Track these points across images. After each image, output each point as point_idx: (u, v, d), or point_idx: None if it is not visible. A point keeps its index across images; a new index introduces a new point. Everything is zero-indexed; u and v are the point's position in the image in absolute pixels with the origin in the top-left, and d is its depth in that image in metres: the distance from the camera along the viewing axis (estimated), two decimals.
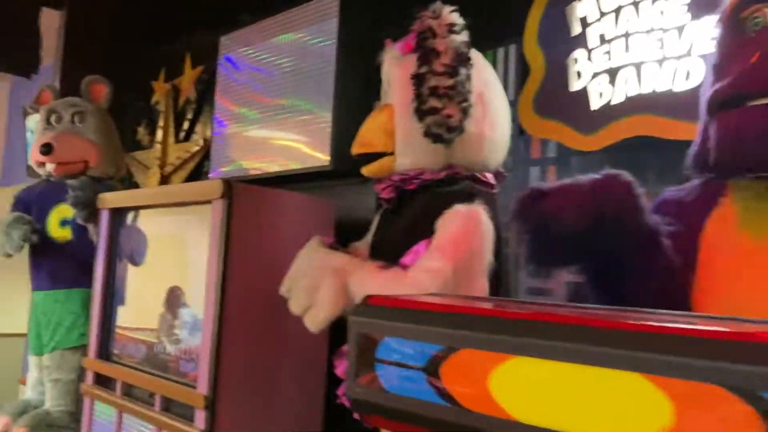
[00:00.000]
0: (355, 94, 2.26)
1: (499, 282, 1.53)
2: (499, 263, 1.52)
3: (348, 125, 2.23)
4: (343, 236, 1.93)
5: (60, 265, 2.82)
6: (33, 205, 2.87)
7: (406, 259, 1.54)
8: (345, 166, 2.26)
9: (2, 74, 5.89)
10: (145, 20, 3.39)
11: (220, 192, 1.88)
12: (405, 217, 1.65)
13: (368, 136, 1.69)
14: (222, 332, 1.85)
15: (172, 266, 2.23)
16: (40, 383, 2.85)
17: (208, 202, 1.94)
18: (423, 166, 1.61)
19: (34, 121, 4.77)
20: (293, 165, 2.33)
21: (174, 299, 2.14)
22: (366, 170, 1.71)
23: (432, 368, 0.80)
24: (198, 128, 3.17)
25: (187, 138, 3.21)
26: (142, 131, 3.54)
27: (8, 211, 2.88)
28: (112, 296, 2.51)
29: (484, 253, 1.46)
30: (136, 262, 2.45)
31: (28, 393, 2.92)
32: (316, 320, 1.55)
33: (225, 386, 1.83)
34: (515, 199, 1.25)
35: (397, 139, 1.63)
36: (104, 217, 2.53)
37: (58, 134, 2.83)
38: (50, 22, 3.52)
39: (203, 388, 1.83)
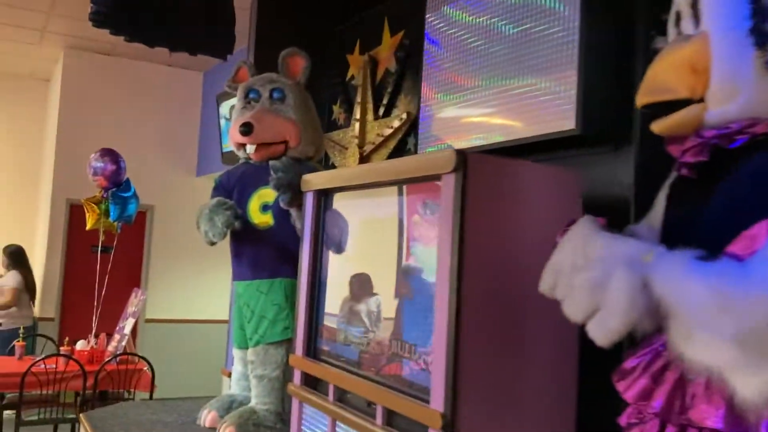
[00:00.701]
0: (609, 39, 1.83)
1: None
2: None
3: (599, 79, 1.83)
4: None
5: (262, 253, 2.69)
6: (234, 190, 2.77)
7: (735, 247, 1.10)
8: (594, 131, 1.85)
9: (193, 67, 6.21)
10: None
11: (452, 164, 1.55)
12: (724, 188, 1.20)
13: (664, 78, 1.26)
14: (460, 336, 1.52)
15: (379, 254, 1.96)
16: (244, 377, 2.76)
17: (436, 177, 1.62)
18: (757, 113, 1.16)
19: (227, 107, 4.90)
20: (526, 133, 1.94)
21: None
22: (661, 125, 1.28)
23: None
24: (400, 101, 2.90)
25: (387, 113, 2.97)
26: (337, 109, 3.37)
27: (210, 197, 2.82)
28: (319, 287, 2.31)
29: None
30: (339, 250, 2.22)
31: (233, 387, 2.85)
32: (606, 329, 1.16)
33: (465, 403, 1.51)
34: None
35: (713, 78, 1.19)
36: (309, 200, 2.33)
37: (258, 113, 2.70)
38: (242, 2, 3.47)
39: (439, 403, 1.52)
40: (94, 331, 4.47)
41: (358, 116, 3.07)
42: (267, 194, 2.70)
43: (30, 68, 6.54)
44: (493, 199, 1.60)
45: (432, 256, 1.62)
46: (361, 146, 3.03)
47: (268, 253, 2.69)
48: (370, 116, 3.03)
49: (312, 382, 2.23)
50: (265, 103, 2.77)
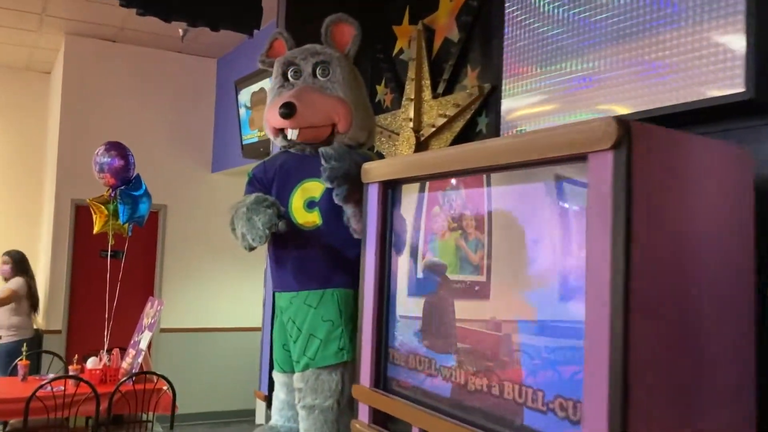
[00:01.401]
0: None
1: None
2: None
3: None
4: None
5: (309, 259, 2.28)
6: (272, 184, 2.36)
7: None
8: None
9: (206, 53, 5.79)
10: None
11: (611, 137, 1.14)
12: None
13: None
14: (628, 373, 1.11)
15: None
16: (289, 406, 2.35)
17: (579, 158, 1.21)
18: None
19: (248, 94, 4.50)
20: (674, 100, 1.52)
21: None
22: None
23: None
24: (465, 75, 2.48)
25: (449, 90, 2.55)
26: (382, 90, 2.95)
27: (244, 194, 2.41)
28: (388, 300, 1.90)
29: None
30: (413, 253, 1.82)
31: (274, 416, 2.43)
32: None
33: None
34: None
35: None
36: (372, 194, 1.92)
37: (300, 91, 2.28)
38: None
39: None
40: (106, 347, 4.08)
41: (412, 95, 2.65)
42: (312, 188, 2.31)
43: (30, 59, 6.15)
44: (662, 183, 1.19)
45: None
46: (417, 130, 2.61)
47: (316, 259, 2.28)
48: (427, 94, 2.61)
49: (382, 419, 1.83)
50: (307, 79, 2.36)
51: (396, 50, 2.93)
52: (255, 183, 2.41)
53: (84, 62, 5.52)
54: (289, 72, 2.38)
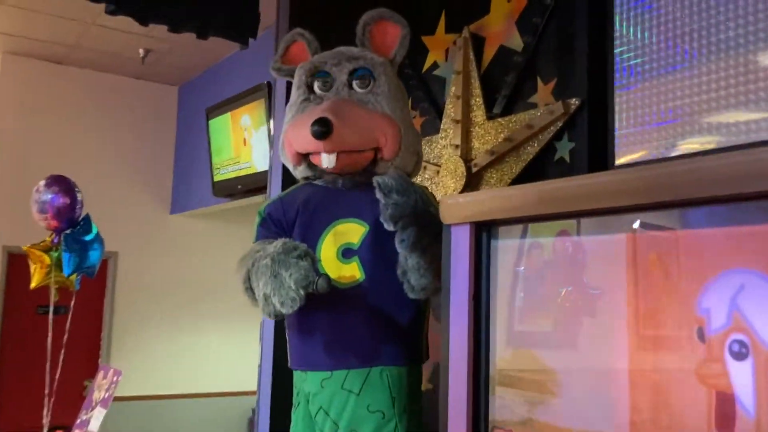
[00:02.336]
0: None
1: None
2: None
3: None
4: None
5: (346, 327, 1.76)
6: (293, 226, 1.84)
7: None
8: None
9: (167, 80, 5.24)
10: None
11: None
12: None
13: None
14: None
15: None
16: None
17: None
18: None
19: (221, 124, 3.94)
20: None
21: None
22: None
23: None
24: (535, 88, 2.01)
25: (509, 109, 2.08)
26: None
27: (254, 238, 1.88)
28: (486, 382, 1.39)
29: None
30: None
31: None
32: None
33: None
34: None
35: None
36: (462, 239, 1.42)
37: (337, 105, 1.78)
38: None
39: None
40: (46, 428, 3.37)
41: (458, 116, 2.18)
42: (349, 231, 1.80)
43: None
44: None
45: None
46: (468, 159, 2.13)
47: (357, 327, 1.75)
48: (479, 115, 2.14)
49: None
50: (341, 91, 1.86)
51: (427, 65, 2.47)
52: (270, 225, 1.87)
53: (24, 85, 4.87)
54: (316, 82, 1.88)
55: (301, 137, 1.80)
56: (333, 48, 1.90)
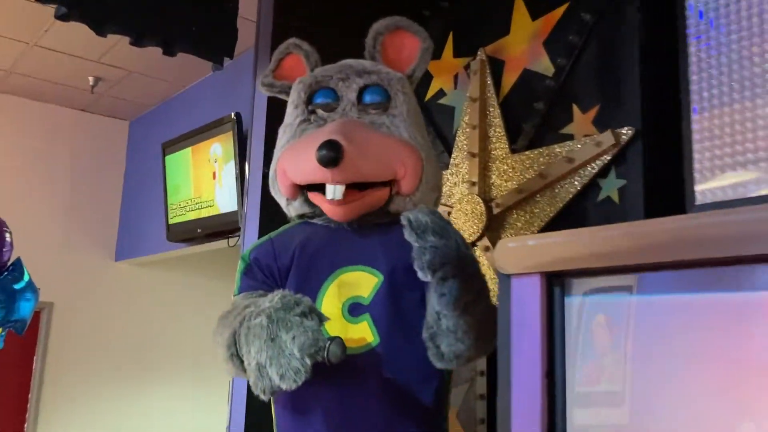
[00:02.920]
0: None
1: None
2: None
3: None
4: None
5: (356, 404, 1.42)
6: (287, 275, 1.51)
7: None
8: None
9: (118, 114, 4.84)
10: None
11: None
12: None
13: None
14: None
15: None
16: None
17: None
18: None
19: (179, 161, 3.55)
20: None
21: None
22: None
23: None
24: (571, 117, 1.74)
25: (539, 141, 1.79)
26: None
27: (236, 290, 1.54)
28: None
29: None
30: None
31: None
32: None
33: None
34: None
35: None
36: (529, 295, 1.11)
37: (347, 127, 1.46)
38: None
39: None
40: None
41: (474, 149, 1.88)
42: (357, 282, 1.48)
43: None
44: None
45: None
46: (487, 198, 1.83)
47: (368, 405, 1.41)
48: (501, 148, 1.85)
49: None
50: (349, 111, 1.56)
51: (431, 93, 2.18)
52: (256, 273, 1.52)
53: None
54: (318, 100, 1.57)
55: (301, 165, 1.48)
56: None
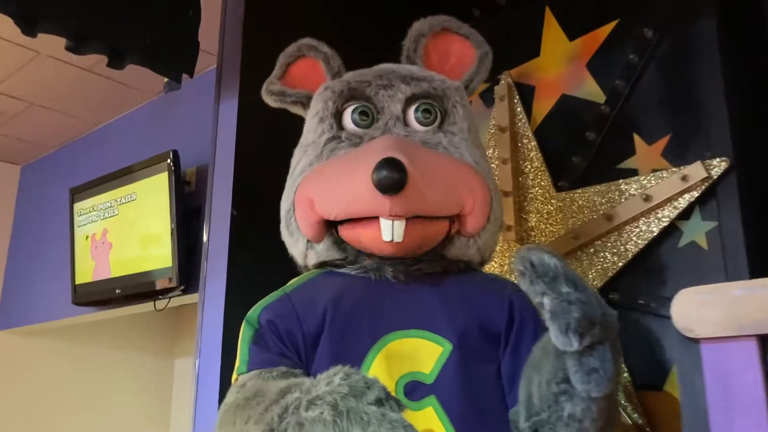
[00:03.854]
0: None
1: None
2: None
3: None
4: None
5: None
6: (317, 342, 1.12)
7: None
8: None
9: (7, 156, 4.21)
10: None
11: None
12: None
13: None
14: None
15: None
16: None
17: None
18: None
19: (87, 209, 3.00)
20: None
21: None
22: None
23: None
24: (633, 149, 1.46)
25: (588, 178, 1.51)
26: None
27: (242, 365, 1.13)
28: None
29: None
30: None
31: None
32: None
33: None
34: None
35: None
36: (745, 363, 0.79)
37: (401, 144, 1.12)
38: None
39: None
40: None
41: (508, 187, 1.58)
42: (414, 352, 1.15)
43: None
44: None
45: None
46: (521, 240, 1.52)
47: None
48: (538, 185, 1.56)
49: None
50: (393, 127, 1.23)
51: None
52: (271, 341, 1.12)
53: None
54: (351, 112, 1.23)
55: (341, 192, 1.12)
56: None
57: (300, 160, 1.22)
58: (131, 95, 3.09)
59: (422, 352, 1.09)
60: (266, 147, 1.75)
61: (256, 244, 1.72)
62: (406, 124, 1.19)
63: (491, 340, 1.12)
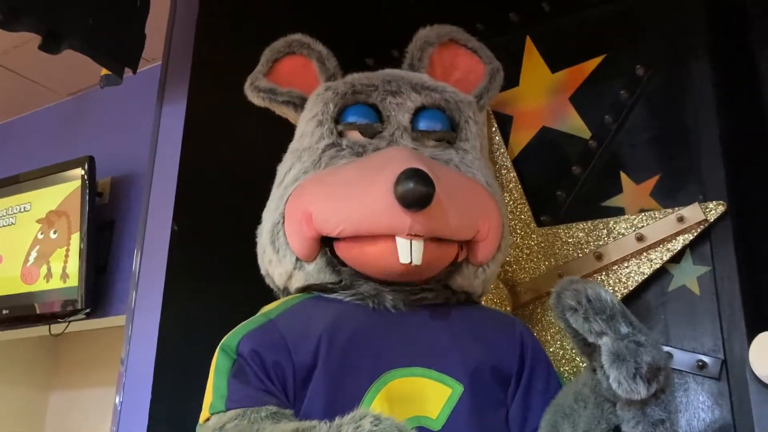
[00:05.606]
0: None
1: None
2: None
3: None
4: None
5: None
6: (310, 377, 0.98)
7: None
8: None
9: None
10: None
11: None
12: None
13: None
14: None
15: None
16: None
17: None
18: None
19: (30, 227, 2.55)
20: None
21: None
22: None
23: None
24: (619, 187, 1.42)
25: (572, 215, 1.45)
26: None
27: (218, 402, 0.96)
28: None
29: None
30: None
31: None
32: None
33: None
34: None
35: None
36: None
37: (418, 157, 1.01)
38: None
39: None
40: None
41: None
42: (420, 393, 1.05)
43: None
44: None
45: None
46: (510, 283, 1.43)
47: None
48: (519, 219, 1.48)
49: None
50: (399, 139, 1.12)
51: None
52: (253, 375, 0.96)
53: None
54: (353, 118, 1.11)
55: (349, 205, 0.99)
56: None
57: (292, 166, 1.08)
58: (38, 93, 2.80)
59: (428, 394, 0.97)
60: (217, 155, 1.60)
61: (198, 263, 1.54)
62: (414, 136, 1.09)
63: (501, 383, 1.02)
